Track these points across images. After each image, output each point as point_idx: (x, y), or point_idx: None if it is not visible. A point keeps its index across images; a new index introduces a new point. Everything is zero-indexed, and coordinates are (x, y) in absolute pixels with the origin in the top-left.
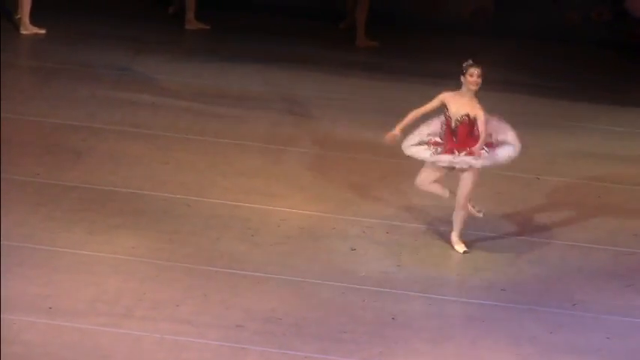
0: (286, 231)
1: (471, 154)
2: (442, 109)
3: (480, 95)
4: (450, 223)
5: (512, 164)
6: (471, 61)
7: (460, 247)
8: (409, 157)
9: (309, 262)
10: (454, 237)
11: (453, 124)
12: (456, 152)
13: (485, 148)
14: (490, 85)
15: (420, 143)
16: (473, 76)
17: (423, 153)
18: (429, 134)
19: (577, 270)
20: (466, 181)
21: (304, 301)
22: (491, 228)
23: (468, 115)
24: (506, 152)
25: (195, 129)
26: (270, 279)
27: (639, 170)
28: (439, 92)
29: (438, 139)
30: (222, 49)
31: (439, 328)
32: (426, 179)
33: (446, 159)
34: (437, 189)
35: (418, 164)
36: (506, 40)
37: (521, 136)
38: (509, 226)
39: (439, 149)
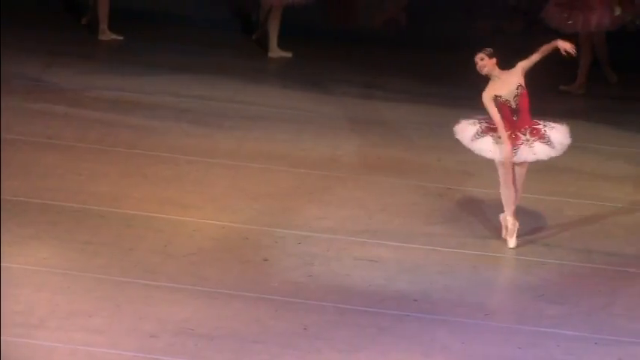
0: (199, 242)
1: (534, 133)
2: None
3: (394, 106)
4: (360, 233)
5: (425, 175)
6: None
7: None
8: (319, 168)
9: (222, 273)
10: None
11: (513, 104)
12: (520, 136)
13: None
14: (403, 96)
15: (477, 134)
16: (476, 64)
17: (493, 150)
18: (473, 122)
19: (488, 280)
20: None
21: (217, 311)
22: (403, 238)
23: (520, 85)
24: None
25: (109, 140)
26: (184, 289)
27: (549, 181)
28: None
29: (486, 124)
30: (135, 60)
31: (351, 338)
32: (507, 175)
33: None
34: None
35: (332, 177)
36: (418, 50)
37: (433, 148)
38: (421, 237)
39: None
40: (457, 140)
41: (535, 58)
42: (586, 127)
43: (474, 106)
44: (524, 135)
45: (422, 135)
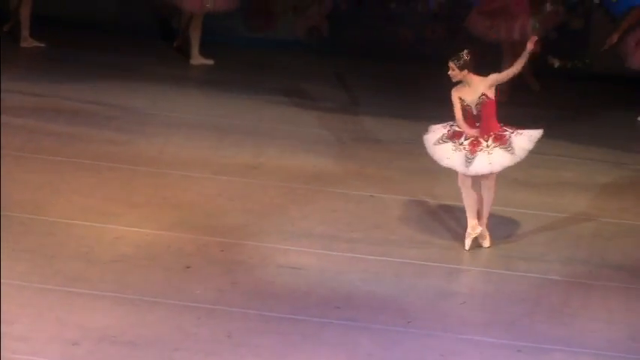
0: (122, 249)
1: (497, 139)
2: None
3: (315, 113)
4: (283, 240)
5: (347, 182)
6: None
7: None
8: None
9: (145, 280)
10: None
11: (474, 111)
12: (482, 142)
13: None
14: (324, 103)
15: (440, 139)
16: (460, 60)
17: (450, 157)
18: (444, 126)
19: (411, 287)
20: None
21: (140, 319)
22: (326, 245)
23: (485, 94)
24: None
25: (30, 147)
26: (106, 297)
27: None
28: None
29: (456, 129)
30: (57, 67)
31: (275, 345)
32: (465, 180)
33: (477, 167)
34: (472, 210)
35: (254, 184)
36: (341, 58)
37: (355, 156)
38: (343, 244)
39: (463, 141)
40: (378, 148)
41: (510, 73)
42: None
43: (393, 114)
44: (487, 141)
45: (343, 142)
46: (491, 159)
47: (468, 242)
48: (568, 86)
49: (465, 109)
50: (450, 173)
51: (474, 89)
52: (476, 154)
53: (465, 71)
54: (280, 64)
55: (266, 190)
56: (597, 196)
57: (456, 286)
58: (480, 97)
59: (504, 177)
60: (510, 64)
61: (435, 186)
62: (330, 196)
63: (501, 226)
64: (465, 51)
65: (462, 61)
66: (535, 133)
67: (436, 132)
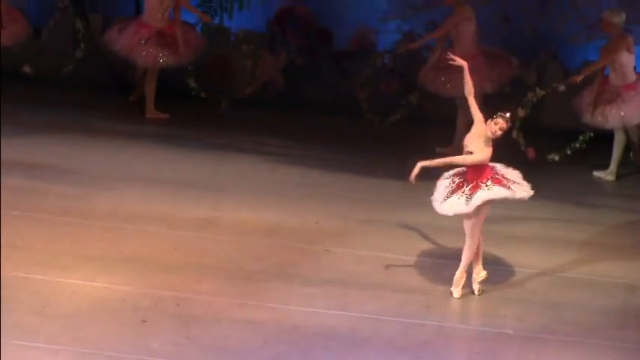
0: (77, 303)
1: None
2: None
3: (272, 167)
4: (238, 295)
5: (303, 236)
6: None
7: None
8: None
9: (101, 334)
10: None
11: (464, 152)
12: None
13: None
14: (280, 157)
15: (447, 194)
16: (497, 125)
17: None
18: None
19: (367, 342)
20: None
21: None
22: (282, 300)
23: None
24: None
25: None
26: (62, 351)
27: (428, 241)
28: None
29: (460, 180)
30: (13, 121)
31: None
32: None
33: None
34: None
35: (210, 238)
36: (297, 113)
37: (311, 209)
38: (299, 298)
39: (465, 189)
40: (334, 201)
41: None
42: None
43: (349, 168)
44: (466, 188)
45: (300, 196)
46: (517, 187)
47: (476, 287)
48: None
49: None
50: (405, 226)
51: (479, 137)
52: (507, 186)
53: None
54: (236, 118)
55: (222, 245)
56: (551, 251)
57: (411, 340)
58: (467, 152)
59: (459, 231)
60: (464, 117)
61: (390, 239)
62: (286, 250)
63: (458, 281)
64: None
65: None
66: (502, 193)
67: (440, 189)
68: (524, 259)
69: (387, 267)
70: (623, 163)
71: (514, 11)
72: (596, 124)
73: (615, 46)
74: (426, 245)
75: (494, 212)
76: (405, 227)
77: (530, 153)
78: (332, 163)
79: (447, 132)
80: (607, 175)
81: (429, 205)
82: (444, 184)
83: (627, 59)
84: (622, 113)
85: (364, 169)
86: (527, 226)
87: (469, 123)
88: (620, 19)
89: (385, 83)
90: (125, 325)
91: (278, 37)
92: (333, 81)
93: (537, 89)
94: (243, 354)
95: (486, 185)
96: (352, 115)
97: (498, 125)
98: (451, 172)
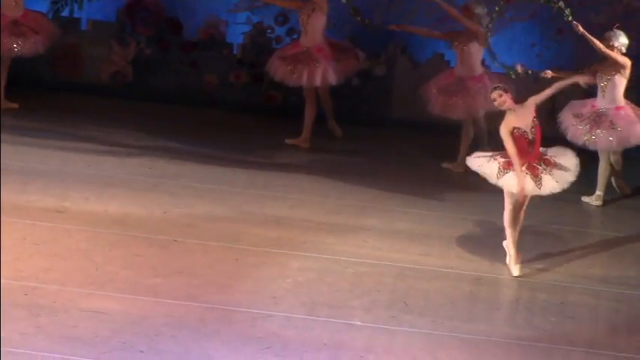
0: None
1: (547, 163)
2: None
3: (119, 158)
4: (86, 284)
5: (150, 226)
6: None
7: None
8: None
9: None
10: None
11: (530, 136)
12: (537, 167)
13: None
14: (127, 149)
15: (499, 172)
16: (495, 101)
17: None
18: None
19: (215, 332)
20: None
21: None
22: (129, 290)
23: (535, 117)
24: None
25: None
26: None
27: (276, 233)
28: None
29: (502, 160)
30: None
31: None
32: (515, 211)
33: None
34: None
35: (58, 228)
36: (145, 103)
37: (158, 200)
38: (147, 288)
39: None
40: (182, 192)
41: (548, 92)
42: (310, 180)
43: (199, 160)
44: (540, 165)
45: (148, 186)
46: (557, 178)
47: (517, 268)
48: (370, 133)
49: (519, 138)
50: (254, 217)
51: (522, 115)
52: (539, 176)
53: (509, 93)
54: (86, 108)
55: (71, 235)
56: (400, 242)
57: (260, 331)
58: (532, 121)
59: (308, 221)
60: (311, 108)
61: (239, 230)
62: (133, 241)
63: (304, 272)
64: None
65: (503, 86)
66: (567, 151)
67: (486, 166)
68: (372, 250)
69: (237, 259)
70: None
71: (364, 4)
72: (442, 114)
73: (470, 36)
74: (275, 235)
75: (339, 202)
76: (255, 217)
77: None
78: (180, 153)
79: (296, 124)
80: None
81: (278, 196)
82: (509, 176)
83: (477, 51)
84: (468, 104)
85: (212, 159)
86: (374, 217)
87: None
88: (482, 10)
89: (234, 74)
90: None
91: (128, 27)
92: (182, 71)
93: None
94: (91, 343)
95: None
96: (200, 106)
97: (496, 100)
98: (492, 169)
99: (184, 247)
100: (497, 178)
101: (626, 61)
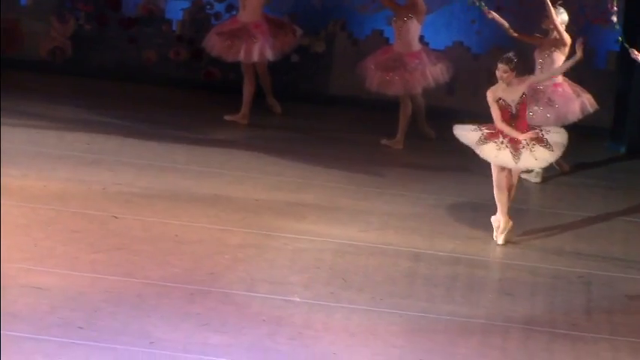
0: None
1: (533, 138)
2: None
3: (60, 134)
4: (25, 260)
5: (90, 202)
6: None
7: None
8: None
9: None
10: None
11: (513, 110)
12: (521, 140)
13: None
14: (68, 125)
15: (480, 140)
16: (499, 70)
17: (498, 155)
18: (474, 129)
19: (154, 308)
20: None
21: None
22: (68, 266)
23: (524, 94)
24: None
25: None
26: None
27: (215, 209)
28: None
29: (489, 130)
30: None
31: None
32: (501, 181)
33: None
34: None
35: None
36: (85, 79)
37: (98, 176)
38: (85, 264)
39: (503, 139)
40: (122, 169)
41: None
42: (249, 156)
43: (136, 134)
44: (525, 139)
45: (87, 162)
46: (536, 155)
47: (502, 237)
48: (309, 109)
49: (502, 110)
50: (192, 194)
51: (515, 89)
52: (519, 150)
53: (514, 73)
54: (25, 84)
55: (9, 210)
56: (339, 219)
57: (199, 307)
58: (521, 97)
59: (247, 197)
60: (250, 84)
61: (177, 207)
62: (72, 217)
63: (243, 249)
64: (512, 53)
65: (513, 64)
66: (561, 130)
67: (470, 135)
68: (311, 226)
69: (176, 235)
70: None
71: None
72: (379, 90)
73: (409, 10)
74: (212, 212)
75: (278, 178)
76: (194, 194)
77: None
78: (119, 129)
79: (235, 100)
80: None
81: (217, 172)
82: (492, 147)
83: (415, 27)
84: (405, 80)
85: (151, 136)
86: (313, 193)
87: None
88: None
89: (174, 50)
90: None
91: (67, 3)
92: (121, 47)
93: None
94: (31, 319)
95: (542, 130)
96: (139, 82)
97: (501, 70)
98: (480, 137)
99: (123, 223)
100: (477, 145)
101: (569, 39)
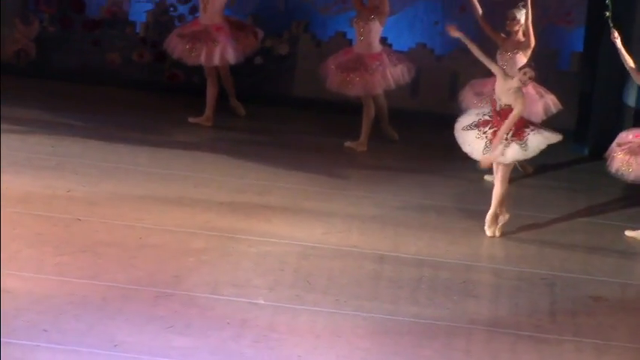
0: None
1: (516, 135)
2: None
3: (23, 137)
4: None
5: (54, 205)
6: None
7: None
8: None
9: None
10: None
11: (497, 107)
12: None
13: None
14: (35, 128)
15: (471, 126)
16: (526, 74)
17: (471, 144)
18: (478, 114)
19: (118, 311)
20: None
21: None
22: (33, 269)
23: (510, 106)
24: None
25: None
26: None
27: (179, 212)
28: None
29: (487, 117)
30: None
31: None
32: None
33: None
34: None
35: None
36: (50, 81)
37: (62, 179)
38: (50, 267)
39: (487, 130)
40: (85, 171)
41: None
42: (213, 159)
43: (102, 139)
44: (507, 134)
45: (51, 165)
46: (505, 151)
47: (491, 230)
48: (273, 111)
49: (492, 101)
50: (156, 197)
51: (507, 87)
52: (497, 145)
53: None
54: None
55: None
56: (303, 221)
57: (163, 310)
58: (505, 105)
59: (211, 200)
60: (213, 87)
61: (141, 210)
62: (37, 220)
63: (207, 251)
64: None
65: (535, 72)
66: (553, 137)
67: (469, 117)
68: (276, 228)
69: (140, 238)
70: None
71: None
72: (339, 91)
73: (382, 12)
74: (178, 214)
75: (242, 181)
76: (158, 196)
77: None
78: (83, 132)
79: (199, 102)
80: (358, 145)
81: (181, 174)
82: (472, 135)
83: (377, 29)
84: (365, 81)
85: (115, 138)
86: (277, 195)
87: (218, 93)
88: None
89: (137, 52)
90: None
91: (31, 4)
92: (84, 49)
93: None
94: None
95: (532, 131)
96: (103, 84)
97: (528, 75)
98: (471, 123)
99: (88, 226)
100: (461, 129)
101: (533, 42)
